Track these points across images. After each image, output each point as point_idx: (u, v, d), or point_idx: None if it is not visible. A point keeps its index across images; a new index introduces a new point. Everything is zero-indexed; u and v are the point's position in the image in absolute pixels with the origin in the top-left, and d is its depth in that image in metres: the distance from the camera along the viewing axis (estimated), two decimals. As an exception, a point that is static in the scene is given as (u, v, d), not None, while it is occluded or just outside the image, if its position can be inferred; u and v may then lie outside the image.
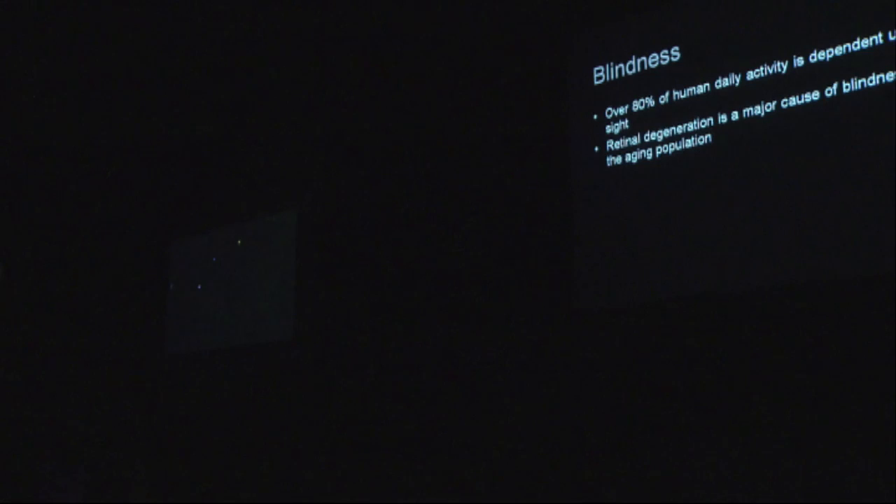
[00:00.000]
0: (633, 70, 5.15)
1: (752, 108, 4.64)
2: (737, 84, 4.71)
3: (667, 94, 4.98)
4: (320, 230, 6.71)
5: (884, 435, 3.94)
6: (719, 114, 4.75)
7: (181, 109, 7.51)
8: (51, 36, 6.80)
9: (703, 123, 4.81)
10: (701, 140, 4.81)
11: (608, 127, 5.20)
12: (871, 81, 4.26)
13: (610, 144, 5.17)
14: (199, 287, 7.59)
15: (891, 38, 4.22)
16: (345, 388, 6.27)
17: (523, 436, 5.24)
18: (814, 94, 4.44)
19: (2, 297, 8.35)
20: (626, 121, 5.12)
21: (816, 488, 4.12)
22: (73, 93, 7.48)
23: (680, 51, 4.97)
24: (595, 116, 5.27)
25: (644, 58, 5.10)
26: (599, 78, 5.30)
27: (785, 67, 4.55)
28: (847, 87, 4.34)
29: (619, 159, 5.12)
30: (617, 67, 5.23)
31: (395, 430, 5.86)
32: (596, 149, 5.23)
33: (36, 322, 8.27)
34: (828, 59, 4.42)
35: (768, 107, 4.58)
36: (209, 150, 7.53)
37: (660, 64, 5.04)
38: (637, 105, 5.10)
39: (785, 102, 4.52)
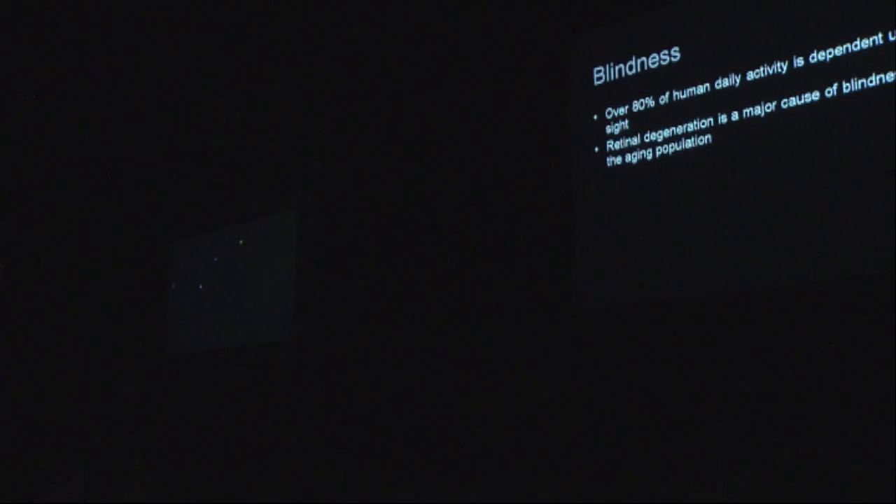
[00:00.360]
0: (633, 70, 5.15)
1: (752, 109, 4.63)
2: (737, 84, 4.71)
3: (667, 94, 4.98)
4: (320, 230, 6.71)
5: (884, 435, 3.94)
6: (719, 114, 4.75)
7: (180, 109, 7.51)
8: (51, 36, 6.80)
9: (703, 124, 4.81)
10: (701, 140, 4.81)
11: (608, 127, 5.20)
12: (871, 82, 4.26)
13: (610, 145, 5.17)
14: (199, 287, 7.59)
15: (891, 38, 4.21)
16: (345, 388, 6.27)
17: (524, 435, 5.24)
18: (814, 94, 4.43)
19: (1, 296, 8.35)
20: (627, 121, 5.12)
21: (817, 488, 4.12)
22: (74, 93, 7.48)
23: (680, 51, 4.97)
24: (595, 117, 5.27)
25: (644, 58, 5.10)
26: (599, 78, 5.30)
27: (785, 68, 4.55)
28: (847, 87, 4.34)
29: (619, 159, 5.12)
30: (617, 68, 5.23)
31: (395, 431, 5.86)
32: (596, 149, 5.23)
33: (35, 322, 8.27)
34: (828, 60, 4.41)
35: (768, 107, 4.58)
36: (209, 151, 7.53)
37: (660, 64, 5.04)
38: (637, 105, 5.09)
39: (785, 103, 4.52)
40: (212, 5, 6.51)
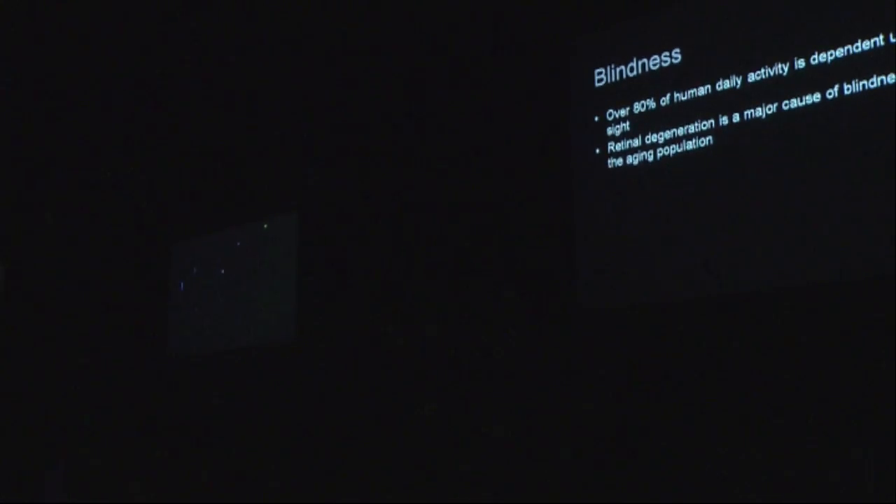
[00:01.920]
0: (635, 72, 5.16)
1: (753, 110, 4.64)
2: (738, 86, 4.71)
3: (668, 95, 4.98)
4: (322, 232, 6.71)
5: (884, 435, 3.93)
6: (720, 115, 4.75)
7: (182, 110, 7.52)
8: (53, 36, 6.81)
9: (704, 125, 4.81)
10: (702, 142, 4.81)
11: (609, 129, 5.20)
12: (872, 83, 4.26)
13: (611, 146, 5.17)
14: (201, 289, 7.60)
15: (892, 39, 4.22)
16: (346, 389, 6.27)
17: (525, 436, 5.24)
18: (815, 95, 4.43)
19: (2, 298, 8.36)
20: (628, 122, 5.13)
21: (817, 488, 4.12)
22: (75, 93, 7.49)
23: (681, 53, 4.98)
24: (596, 118, 5.27)
25: (645, 60, 5.11)
26: (600, 80, 5.30)
27: (786, 69, 4.55)
28: (848, 88, 4.34)
29: (620, 161, 5.12)
30: (618, 69, 5.23)
31: (396, 431, 5.86)
32: (597, 150, 5.23)
33: (37, 324, 8.27)
34: (829, 61, 4.42)
35: (769, 108, 4.58)
36: (211, 152, 7.54)
37: (661, 66, 5.04)
38: (638, 107, 5.10)
39: (786, 104, 4.52)
40: (214, 6, 6.52)
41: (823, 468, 4.13)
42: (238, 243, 7.32)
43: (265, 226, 7.14)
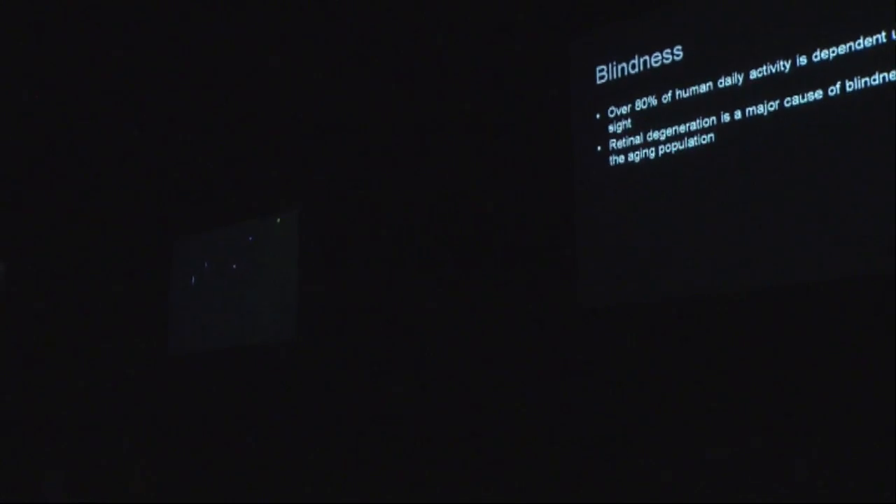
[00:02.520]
0: (636, 69, 5.15)
1: (754, 108, 4.63)
2: (739, 83, 4.70)
3: (669, 93, 4.97)
4: (322, 230, 6.71)
5: (884, 435, 3.92)
6: (722, 113, 4.74)
7: (182, 108, 7.51)
8: (53, 35, 6.82)
9: (705, 122, 4.80)
10: (703, 139, 4.80)
11: (611, 126, 5.19)
12: (874, 80, 4.25)
13: (613, 144, 5.16)
14: (202, 287, 7.59)
15: (894, 37, 4.21)
16: (347, 387, 6.26)
17: (526, 435, 5.23)
18: (817, 93, 4.42)
19: (3, 296, 8.35)
20: (629, 120, 5.12)
21: (816, 488, 4.10)
22: (76, 91, 7.49)
23: (683, 50, 4.97)
24: (598, 116, 5.26)
25: (647, 57, 5.10)
26: (602, 77, 5.30)
27: (788, 66, 4.54)
28: (850, 86, 4.33)
29: (621, 158, 5.11)
30: (620, 67, 5.22)
31: (397, 430, 5.85)
32: (598, 148, 5.22)
33: (37, 322, 8.27)
34: (831, 59, 4.41)
35: (771, 106, 4.57)
36: (212, 150, 7.54)
37: (662, 63, 5.03)
38: (640, 104, 5.09)
39: (788, 101, 4.51)
40: (215, 5, 6.52)
41: (823, 468, 4.11)
42: (239, 241, 7.31)
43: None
